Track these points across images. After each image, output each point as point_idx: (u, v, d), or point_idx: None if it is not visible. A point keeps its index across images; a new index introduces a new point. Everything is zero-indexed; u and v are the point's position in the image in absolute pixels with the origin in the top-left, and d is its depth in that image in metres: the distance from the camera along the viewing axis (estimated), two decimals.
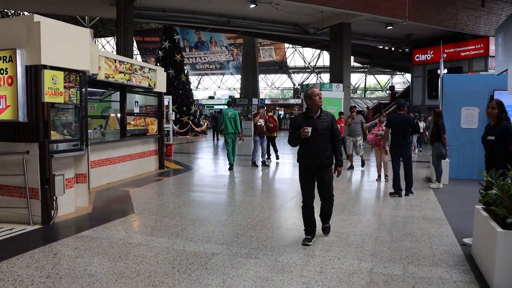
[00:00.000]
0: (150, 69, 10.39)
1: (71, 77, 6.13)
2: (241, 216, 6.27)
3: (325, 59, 49.05)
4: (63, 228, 5.64)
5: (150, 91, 10.86)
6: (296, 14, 21.30)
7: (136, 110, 10.45)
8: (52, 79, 5.66)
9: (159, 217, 6.17)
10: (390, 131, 8.19)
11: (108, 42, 55.28)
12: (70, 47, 6.08)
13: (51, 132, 5.93)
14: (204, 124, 31.19)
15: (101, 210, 6.76)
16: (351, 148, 11.41)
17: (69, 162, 6.38)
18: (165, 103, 15.86)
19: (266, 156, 12.84)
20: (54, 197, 5.86)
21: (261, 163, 12.21)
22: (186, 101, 28.86)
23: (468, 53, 24.88)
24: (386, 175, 9.50)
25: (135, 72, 9.59)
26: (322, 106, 5.08)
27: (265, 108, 12.45)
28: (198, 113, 41.09)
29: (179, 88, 28.92)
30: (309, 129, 4.78)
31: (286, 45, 48.35)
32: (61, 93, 5.80)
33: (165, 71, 27.99)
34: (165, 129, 15.28)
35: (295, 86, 51.39)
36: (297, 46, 48.93)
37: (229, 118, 11.45)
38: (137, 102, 10.44)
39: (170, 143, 14.90)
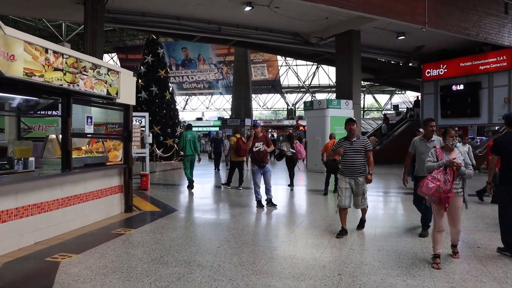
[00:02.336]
0: (110, 70, 7.18)
1: None
2: None
3: (320, 77, 46.46)
4: None
5: (111, 103, 7.61)
6: (297, 20, 18.38)
7: (89, 129, 7.17)
8: None
9: None
10: (497, 160, 5.11)
11: None
12: None
13: None
14: None
15: None
16: (346, 196, 6.30)
17: None
18: (140, 122, 12.69)
19: (225, 182, 12.23)
20: None
21: (265, 202, 8.98)
22: (170, 122, 25.74)
23: (488, 66, 22.12)
24: (455, 250, 5.22)
25: (83, 72, 6.36)
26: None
27: (260, 128, 9.22)
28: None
29: (163, 107, 25.86)
30: None
31: (280, 62, 45.67)
32: None
33: (148, 88, 25.28)
34: (139, 155, 12.06)
35: (288, 107, 48.46)
36: (291, 63, 46.25)
37: (188, 140, 11.62)
38: (90, 118, 7.18)
39: (145, 173, 11.59)
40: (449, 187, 4.62)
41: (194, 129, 45.08)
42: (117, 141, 8.13)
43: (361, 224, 6.70)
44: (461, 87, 23.34)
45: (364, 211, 6.66)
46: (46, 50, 5.53)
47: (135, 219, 7.70)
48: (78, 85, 6.24)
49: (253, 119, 39.25)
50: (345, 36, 19.36)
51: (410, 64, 26.28)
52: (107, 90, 7.07)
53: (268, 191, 9.01)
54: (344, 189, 6.31)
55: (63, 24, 36.62)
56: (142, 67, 26.87)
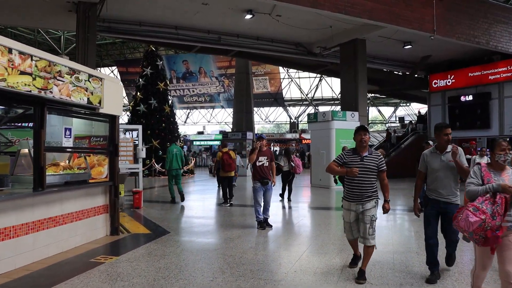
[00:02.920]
0: (91, 76, 6.39)
1: None
2: None
3: (323, 90, 45.82)
4: None
5: (94, 113, 6.82)
6: (300, 29, 17.70)
7: (67, 142, 6.37)
8: None
9: None
10: None
11: None
12: None
13: None
14: (191, 162, 27.08)
15: None
16: (353, 230, 5.06)
17: None
18: (131, 135, 11.92)
19: (223, 201, 11.56)
20: None
21: (263, 222, 8.22)
22: (170, 136, 24.91)
23: (498, 76, 21.32)
24: None
25: (58, 78, 5.58)
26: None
27: (264, 140, 8.41)
28: (185, 149, 37.21)
29: (162, 120, 25.12)
30: None
31: (282, 75, 45.05)
32: None
33: (146, 101, 24.52)
34: (130, 170, 11.26)
35: (291, 120, 47.69)
36: (294, 76, 45.64)
37: (174, 154, 11.80)
38: (69, 130, 6.39)
39: (138, 190, 10.77)
40: (498, 223, 3.31)
41: (195, 143, 44.52)
42: (102, 155, 7.30)
43: (361, 275, 4.79)
44: (470, 97, 22.56)
45: (367, 254, 4.88)
46: (10, 50, 4.75)
47: (121, 243, 6.86)
48: (51, 92, 5.44)
49: (255, 133, 38.49)
50: (349, 45, 18.67)
51: (416, 75, 25.55)
52: (88, 98, 6.27)
53: (266, 210, 8.27)
54: (349, 224, 5.03)
55: (62, 36, 36.19)
56: (141, 80, 26.20)
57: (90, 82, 6.32)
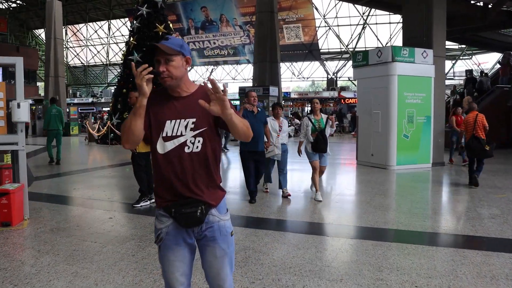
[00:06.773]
0: None
1: None
2: None
3: (367, 40, 38.69)
4: None
5: None
6: None
7: None
8: None
9: None
10: None
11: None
12: None
13: None
14: None
15: None
16: None
17: None
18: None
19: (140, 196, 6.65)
20: None
21: None
22: None
23: None
24: None
25: None
26: None
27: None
28: None
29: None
30: None
31: (318, 22, 38.12)
32: None
33: (142, 48, 17.99)
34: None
35: (328, 76, 40.98)
36: (332, 23, 38.67)
37: (53, 115, 11.41)
38: None
39: (8, 188, 5.19)
40: None
41: None
42: None
43: None
44: None
45: None
46: None
47: None
48: None
49: (284, 91, 32.27)
50: None
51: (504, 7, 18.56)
52: None
53: None
54: None
55: None
56: (135, 22, 20.49)
57: None
